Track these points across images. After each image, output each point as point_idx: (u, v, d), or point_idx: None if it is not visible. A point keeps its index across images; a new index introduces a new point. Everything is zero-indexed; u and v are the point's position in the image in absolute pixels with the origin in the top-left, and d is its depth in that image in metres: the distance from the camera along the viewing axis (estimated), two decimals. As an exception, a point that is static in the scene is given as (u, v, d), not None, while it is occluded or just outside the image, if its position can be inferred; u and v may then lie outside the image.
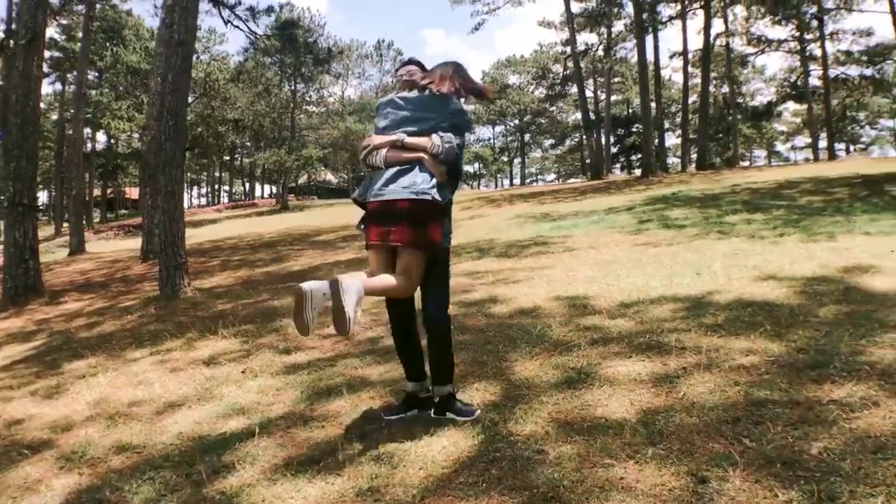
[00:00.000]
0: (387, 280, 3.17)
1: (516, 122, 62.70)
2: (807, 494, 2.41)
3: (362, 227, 3.39)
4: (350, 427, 3.45)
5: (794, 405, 3.19)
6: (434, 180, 3.22)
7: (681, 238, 10.04)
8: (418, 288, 3.31)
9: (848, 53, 39.51)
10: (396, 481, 2.80)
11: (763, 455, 2.73)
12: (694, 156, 54.15)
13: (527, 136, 65.06)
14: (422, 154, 3.25)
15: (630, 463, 2.77)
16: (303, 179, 56.12)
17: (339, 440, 3.29)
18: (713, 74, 37.17)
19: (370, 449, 3.14)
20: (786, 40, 39.55)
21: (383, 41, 59.18)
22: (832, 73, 38.50)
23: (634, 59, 36.12)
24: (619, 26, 38.15)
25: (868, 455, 2.65)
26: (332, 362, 4.69)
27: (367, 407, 3.70)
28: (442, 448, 3.07)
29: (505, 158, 71.39)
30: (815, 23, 36.49)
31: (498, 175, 75.84)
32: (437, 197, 3.19)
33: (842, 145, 46.00)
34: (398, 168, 3.26)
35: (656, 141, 31.99)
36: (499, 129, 67.97)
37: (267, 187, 74.56)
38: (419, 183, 3.19)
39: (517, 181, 67.46)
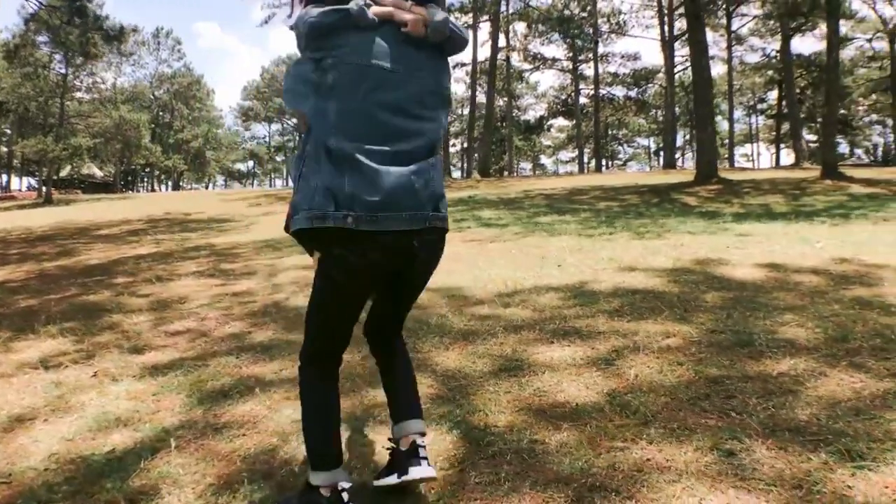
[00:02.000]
0: None
1: (294, 121, 61.08)
2: (836, 454, 2.39)
3: None
4: (283, 434, 2.81)
5: (748, 379, 3.18)
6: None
7: (508, 236, 10.22)
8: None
9: (615, 75, 43.75)
10: (392, 491, 2.27)
11: (764, 425, 2.69)
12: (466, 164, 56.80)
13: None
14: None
15: (642, 443, 2.57)
16: (65, 172, 49.96)
17: (279, 449, 2.66)
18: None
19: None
20: (559, 59, 42.82)
21: (161, 28, 54.90)
22: (600, 92, 42.31)
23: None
24: None
25: (854, 417, 2.70)
26: (202, 362, 3.92)
27: (292, 410, 3.07)
28: (431, 447, 2.58)
29: (280, 158, 69.42)
30: (589, 44, 39.87)
31: (273, 174, 73.62)
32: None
33: (602, 161, 50.71)
34: None
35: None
36: (275, 126, 65.93)
37: (25, 180, 65.20)
38: None
39: (290, 182, 65.51)
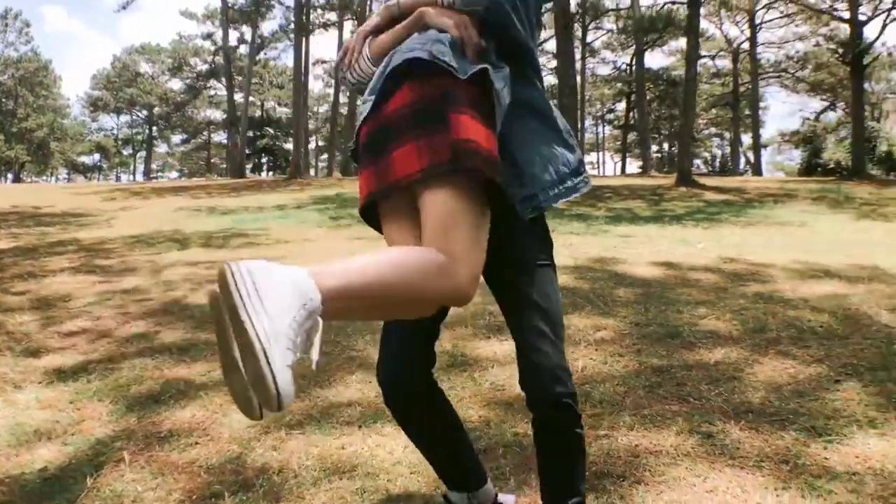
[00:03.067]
0: (398, 259, 1.29)
1: (145, 113, 57.40)
2: (803, 432, 2.54)
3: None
4: (242, 440, 2.57)
5: (690, 368, 3.32)
6: (447, 44, 1.45)
7: (390, 232, 10.13)
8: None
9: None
10: (414, 490, 2.13)
11: (724, 409, 2.82)
12: (323, 162, 55.99)
13: (154, 130, 59.94)
14: (420, 13, 1.56)
15: (624, 430, 2.63)
16: None
17: (245, 457, 2.42)
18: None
19: (312, 463, 2.37)
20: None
21: (10, 10, 49.83)
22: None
23: (278, 62, 35.90)
24: (272, 26, 37.74)
25: (801, 398, 2.90)
26: (113, 365, 3.53)
27: (241, 415, 2.81)
28: (405, 448, 2.45)
29: (127, 151, 64.94)
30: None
31: (119, 169, 68.66)
32: (454, 64, 1.41)
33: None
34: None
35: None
36: (124, 118, 61.51)
37: None
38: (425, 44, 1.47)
39: (139, 177, 61.65)
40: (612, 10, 39.00)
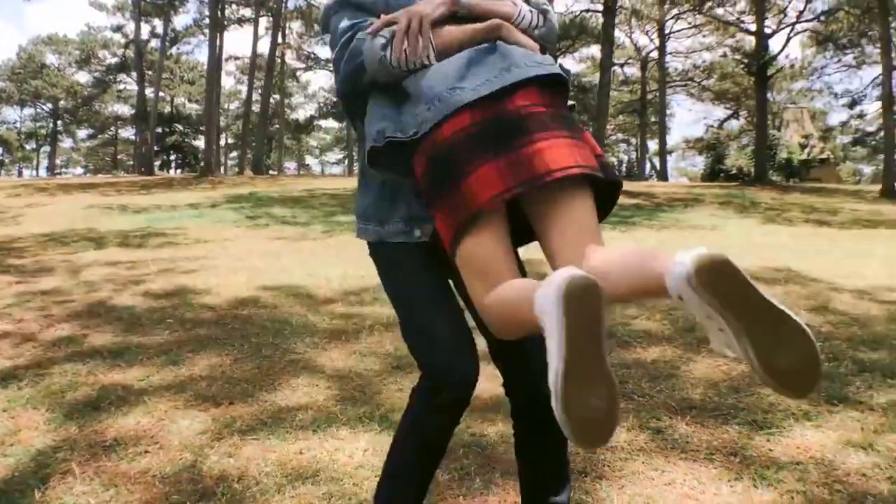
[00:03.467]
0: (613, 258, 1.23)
1: (50, 106, 54.26)
2: (745, 425, 2.68)
3: (444, 184, 1.35)
4: (194, 447, 2.49)
5: (629, 366, 3.45)
6: None
7: (316, 234, 10.07)
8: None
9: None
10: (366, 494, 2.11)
11: (668, 404, 2.93)
12: (233, 160, 54.57)
13: (59, 124, 56.70)
14: (499, 23, 1.49)
15: None
16: None
17: (200, 465, 2.35)
18: (259, 83, 37.84)
19: (272, 469, 2.32)
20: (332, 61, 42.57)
21: None
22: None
23: (191, 57, 34.77)
24: (185, 20, 36.49)
25: (737, 394, 3.05)
26: (43, 370, 3.34)
27: (189, 421, 2.73)
28: (364, 451, 2.43)
29: (31, 146, 61.18)
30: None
31: (22, 163, 64.61)
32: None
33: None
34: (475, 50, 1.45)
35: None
36: (28, 111, 57.86)
37: None
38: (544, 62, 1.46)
39: (42, 172, 58.19)
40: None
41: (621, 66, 43.33)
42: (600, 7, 21.60)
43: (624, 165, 56.04)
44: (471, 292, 1.39)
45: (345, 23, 1.56)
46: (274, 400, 2.98)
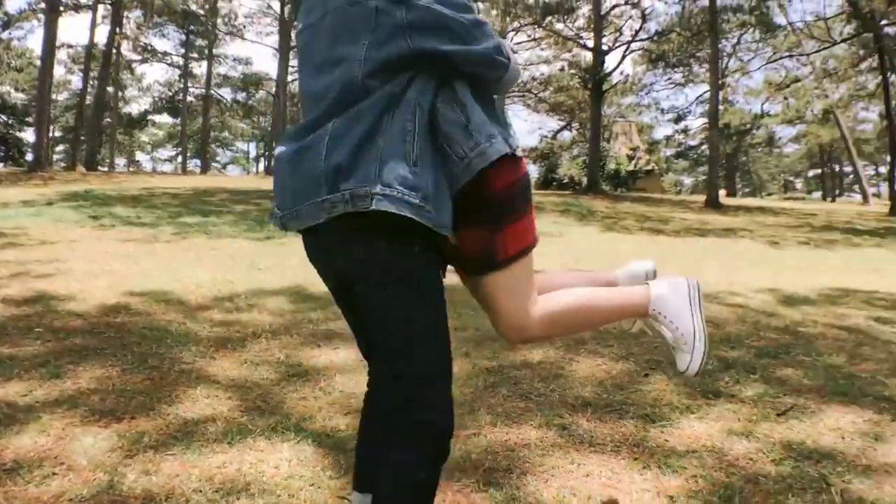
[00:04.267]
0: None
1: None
2: (639, 419, 2.92)
3: (528, 205, 1.62)
4: (106, 466, 2.35)
5: (518, 368, 3.62)
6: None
7: (167, 236, 9.62)
8: None
9: (226, 77, 42.93)
10: (321, 503, 2.09)
11: (565, 402, 3.12)
12: (59, 154, 50.39)
13: None
14: None
15: (489, 427, 2.78)
16: None
17: (119, 485, 2.21)
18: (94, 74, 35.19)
19: (199, 485, 2.24)
20: (170, 54, 40.49)
21: None
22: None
23: (22, 43, 31.64)
24: (19, 3, 33.05)
25: (622, 391, 3.28)
26: None
27: (92, 438, 2.56)
28: (289, 462, 2.41)
29: None
30: (201, 42, 38.45)
31: None
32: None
33: (199, 162, 48.91)
34: None
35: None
36: None
37: None
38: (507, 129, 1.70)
39: None
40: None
41: (461, 74, 44.46)
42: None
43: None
44: (508, 303, 1.62)
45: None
46: (177, 413, 2.86)
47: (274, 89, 38.54)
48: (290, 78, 37.05)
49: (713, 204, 22.29)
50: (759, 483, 2.28)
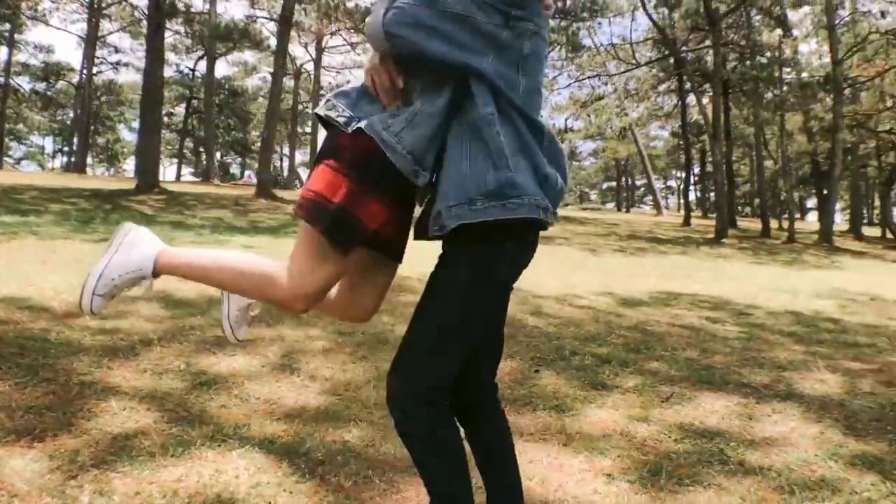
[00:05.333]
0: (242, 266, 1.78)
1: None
2: (550, 409, 3.23)
3: None
4: (54, 491, 2.22)
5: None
6: (354, 95, 1.72)
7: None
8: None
9: (25, 65, 38.81)
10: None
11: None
12: None
13: None
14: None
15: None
16: None
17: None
18: None
19: (167, 500, 2.20)
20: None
21: None
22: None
23: None
24: None
25: (523, 386, 3.55)
26: None
27: (21, 461, 2.39)
28: (247, 470, 2.43)
29: None
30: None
31: None
32: (343, 117, 1.65)
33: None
34: None
35: None
36: None
37: None
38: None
39: None
40: (183, 12, 38.18)
41: (273, 74, 43.92)
42: (273, 16, 21.75)
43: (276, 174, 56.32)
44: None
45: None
46: (100, 428, 2.72)
47: (76, 80, 35.50)
48: (95, 70, 34.27)
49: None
50: (673, 459, 2.67)
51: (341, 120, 1.63)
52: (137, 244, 1.88)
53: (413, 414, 1.63)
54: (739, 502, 2.30)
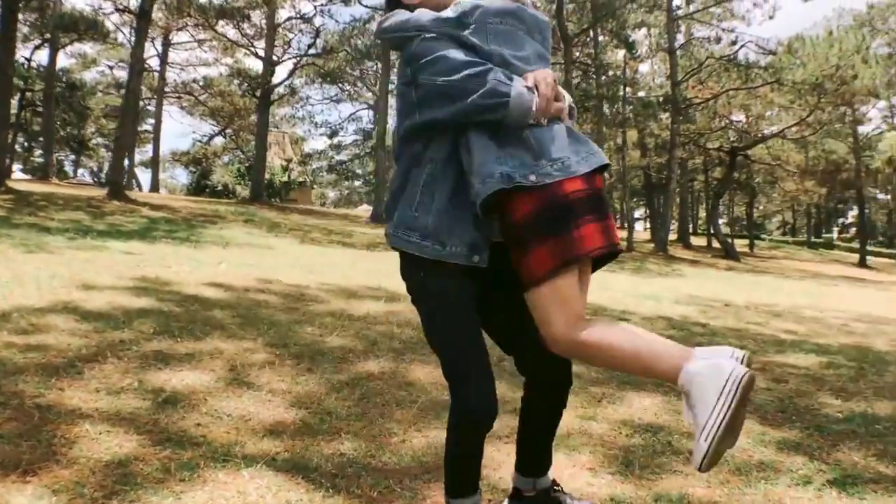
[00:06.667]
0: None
1: None
2: (510, 413, 3.31)
3: (560, 227, 1.79)
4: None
5: (371, 379, 3.95)
6: None
7: None
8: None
9: None
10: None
11: (439, 403, 3.41)
12: None
13: None
14: (564, 108, 1.95)
15: (412, 431, 3.08)
16: None
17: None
18: None
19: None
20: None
21: None
22: None
23: None
24: None
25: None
26: None
27: (24, 499, 2.28)
28: (268, 489, 2.49)
29: None
30: None
31: None
32: None
33: None
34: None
35: None
36: None
37: None
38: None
39: None
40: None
41: (111, 67, 41.30)
42: (126, 7, 20.52)
43: (103, 172, 52.43)
44: (546, 316, 1.82)
45: (460, 55, 1.81)
46: (88, 455, 2.59)
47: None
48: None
49: (377, 219, 23.86)
50: (634, 452, 3.03)
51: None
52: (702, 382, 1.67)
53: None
54: (707, 484, 2.70)
